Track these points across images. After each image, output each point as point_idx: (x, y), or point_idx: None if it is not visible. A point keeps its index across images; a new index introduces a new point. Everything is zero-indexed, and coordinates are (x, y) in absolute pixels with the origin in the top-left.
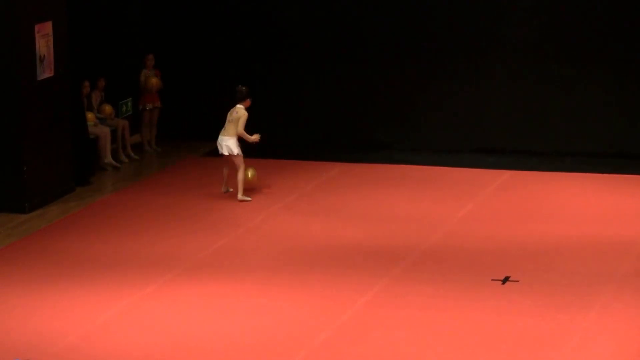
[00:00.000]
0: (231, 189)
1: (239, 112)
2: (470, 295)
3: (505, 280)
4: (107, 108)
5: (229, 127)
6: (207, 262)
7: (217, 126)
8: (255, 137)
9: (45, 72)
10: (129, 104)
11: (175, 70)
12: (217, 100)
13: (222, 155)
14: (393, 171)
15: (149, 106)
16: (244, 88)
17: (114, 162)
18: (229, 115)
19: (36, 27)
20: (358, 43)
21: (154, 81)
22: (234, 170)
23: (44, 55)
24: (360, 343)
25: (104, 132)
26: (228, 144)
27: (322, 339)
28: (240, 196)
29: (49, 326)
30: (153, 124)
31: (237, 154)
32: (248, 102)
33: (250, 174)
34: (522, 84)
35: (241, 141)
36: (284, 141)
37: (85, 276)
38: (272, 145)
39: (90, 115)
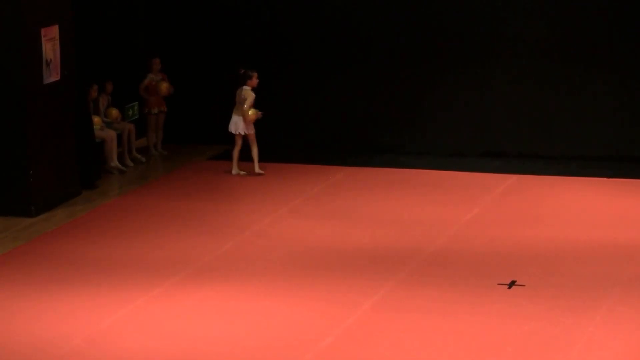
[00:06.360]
0: (242, 172)
1: (246, 93)
2: (476, 299)
3: (512, 284)
4: (114, 112)
5: (239, 107)
6: (213, 266)
7: (223, 129)
8: (252, 117)
9: (52, 75)
10: (135, 107)
11: (181, 74)
12: (223, 104)
13: (234, 134)
14: (398, 175)
15: (154, 110)
16: (242, 71)
17: (120, 166)
18: (237, 96)
19: (42, 31)
20: (363, 47)
21: (165, 86)
22: (243, 150)
23: (50, 59)
24: (366, 346)
25: (110, 135)
26: (241, 123)
27: (327, 342)
28: (256, 169)
29: (54, 329)
30: (159, 128)
31: (250, 132)
32: (253, 82)
33: (250, 112)
34: (529, 88)
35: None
36: (289, 144)
37: (90, 279)
38: (277, 148)
39: (96, 119)
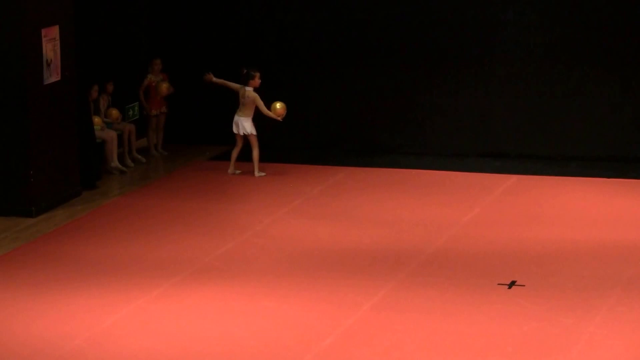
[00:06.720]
0: (238, 171)
1: (249, 95)
2: (476, 299)
3: (512, 284)
4: (114, 112)
5: (243, 108)
6: (213, 266)
7: (224, 130)
8: (280, 111)
9: (52, 76)
10: (136, 108)
11: (182, 74)
12: (224, 104)
13: (235, 134)
14: (399, 175)
15: (154, 112)
16: (245, 70)
17: (120, 166)
18: (240, 97)
19: (43, 32)
20: (363, 47)
21: (165, 86)
22: (243, 151)
23: (51, 60)
24: (366, 347)
25: (111, 136)
26: (245, 124)
27: (327, 342)
28: (256, 173)
29: (55, 330)
30: (160, 128)
31: (252, 134)
32: (255, 82)
33: (278, 105)
34: (528, 88)
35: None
36: (289, 145)
37: (91, 280)
38: (277, 148)
39: (97, 119)
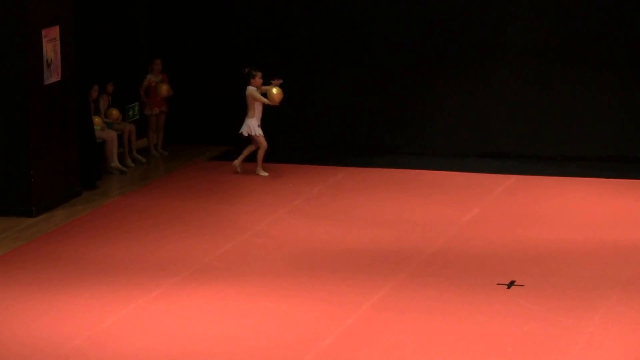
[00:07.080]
0: (239, 170)
1: (247, 93)
2: (475, 299)
3: (511, 284)
4: (114, 112)
5: (248, 109)
6: (213, 266)
7: (224, 130)
8: (276, 96)
9: (52, 76)
10: (136, 108)
11: (183, 74)
12: (224, 104)
13: (248, 136)
14: (399, 175)
15: (154, 111)
16: (246, 70)
17: (120, 166)
18: (246, 98)
19: (43, 32)
20: (364, 47)
21: (165, 88)
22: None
23: (51, 60)
24: (366, 347)
25: (111, 136)
26: (251, 125)
27: (327, 342)
28: (258, 171)
29: (55, 329)
30: (160, 128)
31: (257, 135)
32: (256, 82)
33: (275, 90)
34: (528, 88)
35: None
36: (290, 145)
37: (91, 279)
38: (278, 149)
39: (97, 120)
